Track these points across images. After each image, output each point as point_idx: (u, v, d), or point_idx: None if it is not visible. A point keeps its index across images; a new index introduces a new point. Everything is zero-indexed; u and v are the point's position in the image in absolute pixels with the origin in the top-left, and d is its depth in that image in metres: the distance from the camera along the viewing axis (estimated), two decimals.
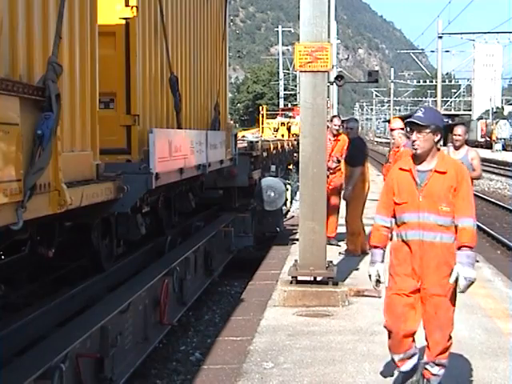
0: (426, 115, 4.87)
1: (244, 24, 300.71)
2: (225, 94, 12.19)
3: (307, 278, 8.44)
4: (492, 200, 23.11)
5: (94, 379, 5.32)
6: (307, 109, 8.38)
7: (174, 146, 7.61)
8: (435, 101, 44.32)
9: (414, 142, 4.86)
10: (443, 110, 67.35)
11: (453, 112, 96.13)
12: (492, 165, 41.45)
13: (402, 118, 11.79)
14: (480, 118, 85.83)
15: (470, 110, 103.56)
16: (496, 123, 67.71)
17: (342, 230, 11.96)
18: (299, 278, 8.44)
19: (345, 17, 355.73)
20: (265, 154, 18.55)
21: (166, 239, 9.10)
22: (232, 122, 17.26)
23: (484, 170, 9.91)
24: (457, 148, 9.54)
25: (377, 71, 31.57)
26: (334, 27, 32.90)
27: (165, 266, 7.71)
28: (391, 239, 5.11)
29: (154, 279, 7.07)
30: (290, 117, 49.98)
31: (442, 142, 5.00)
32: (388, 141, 54.08)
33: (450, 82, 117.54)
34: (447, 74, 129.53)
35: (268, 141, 23.53)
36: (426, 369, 5.03)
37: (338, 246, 11.65)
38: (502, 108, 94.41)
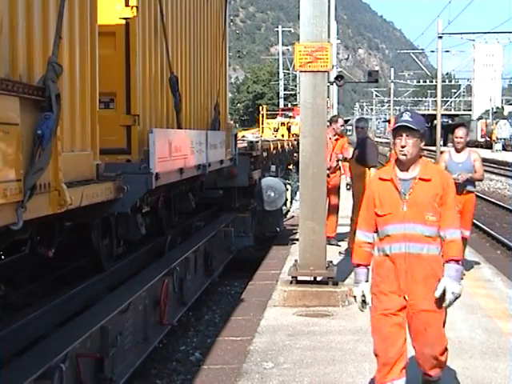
0: (415, 119, 4.54)
1: (244, 24, 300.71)
2: (225, 94, 12.19)
3: (307, 278, 8.44)
4: (492, 200, 23.15)
5: (93, 379, 5.32)
6: (307, 109, 8.38)
7: (174, 146, 7.61)
8: (435, 101, 44.28)
9: (403, 147, 4.51)
10: (443, 109, 67.29)
11: (453, 112, 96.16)
12: (492, 165, 41.45)
13: None
14: (480, 118, 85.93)
15: (470, 110, 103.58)
16: (496, 123, 67.76)
17: (342, 229, 11.97)
18: (299, 278, 8.44)
19: (345, 17, 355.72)
20: (265, 154, 18.54)
21: (165, 239, 9.10)
22: (232, 122, 17.25)
23: (484, 170, 9.86)
24: (458, 150, 9.36)
25: (377, 71, 31.55)
26: (334, 27, 32.90)
27: (165, 265, 7.71)
28: None
29: (154, 279, 7.07)
30: (290, 117, 49.96)
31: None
32: (388, 141, 54.13)
33: (450, 81, 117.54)
34: (447, 74, 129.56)
35: (268, 141, 23.52)
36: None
37: (337, 245, 11.66)
38: (502, 108, 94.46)
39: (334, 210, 11.82)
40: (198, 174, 9.16)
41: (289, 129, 46.18)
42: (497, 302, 8.24)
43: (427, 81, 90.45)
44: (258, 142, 15.91)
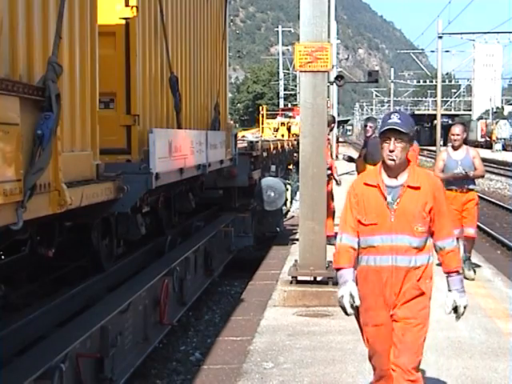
0: (404, 121, 4.19)
1: (244, 24, 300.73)
2: (225, 94, 12.20)
3: (307, 278, 8.44)
4: (492, 200, 23.15)
5: (93, 379, 5.32)
6: (307, 109, 8.38)
7: (174, 146, 7.62)
8: (435, 101, 44.31)
9: (391, 152, 4.16)
10: (443, 110, 67.34)
11: (453, 112, 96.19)
12: (492, 165, 41.43)
13: None
14: (480, 118, 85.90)
15: (470, 110, 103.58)
16: (496, 123, 67.77)
17: None
18: (299, 278, 8.44)
19: (345, 17, 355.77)
20: (265, 154, 18.53)
21: (165, 239, 9.09)
22: (232, 122, 17.26)
23: (484, 170, 9.86)
24: (455, 148, 9.31)
25: (377, 71, 31.59)
26: (334, 27, 32.94)
27: (165, 265, 7.71)
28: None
29: (154, 279, 7.07)
30: (290, 117, 49.94)
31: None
32: None
33: (450, 82, 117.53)
34: (447, 74, 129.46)
35: (268, 141, 23.50)
36: None
37: None
38: (502, 108, 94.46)
39: (329, 213, 11.83)
40: (197, 174, 9.17)
41: (289, 129, 46.17)
42: (497, 302, 8.23)
43: (427, 81, 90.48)
44: (258, 142, 15.91)
